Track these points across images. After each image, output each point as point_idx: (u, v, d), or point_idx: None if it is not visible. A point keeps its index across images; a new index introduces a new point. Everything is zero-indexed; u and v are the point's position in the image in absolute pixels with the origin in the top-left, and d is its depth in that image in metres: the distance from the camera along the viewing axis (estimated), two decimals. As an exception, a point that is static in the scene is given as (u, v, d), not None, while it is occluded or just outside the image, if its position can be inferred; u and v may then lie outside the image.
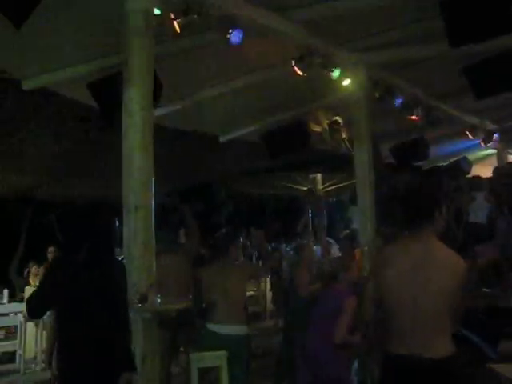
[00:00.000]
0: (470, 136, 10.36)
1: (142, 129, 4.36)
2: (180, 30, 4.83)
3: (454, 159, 11.33)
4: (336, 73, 6.43)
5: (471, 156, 11.37)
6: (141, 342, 4.12)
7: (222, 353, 4.80)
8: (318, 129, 9.06)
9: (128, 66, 4.46)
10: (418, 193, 3.44)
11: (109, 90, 5.07)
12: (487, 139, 10.54)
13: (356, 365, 5.69)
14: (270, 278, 11.76)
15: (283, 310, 7.73)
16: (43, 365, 8.46)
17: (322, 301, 5.27)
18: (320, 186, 13.82)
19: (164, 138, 7.13)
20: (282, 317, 8.29)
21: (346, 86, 6.78)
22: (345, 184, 12.71)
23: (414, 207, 3.38)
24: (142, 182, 4.32)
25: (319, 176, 13.62)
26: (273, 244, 13.82)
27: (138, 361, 3.92)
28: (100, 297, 3.31)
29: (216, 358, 4.85)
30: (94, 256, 3.37)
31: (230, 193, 15.01)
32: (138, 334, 4.11)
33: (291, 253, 9.50)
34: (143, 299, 4.07)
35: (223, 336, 4.91)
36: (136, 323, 4.12)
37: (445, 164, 11.27)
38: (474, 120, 10.05)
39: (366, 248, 6.46)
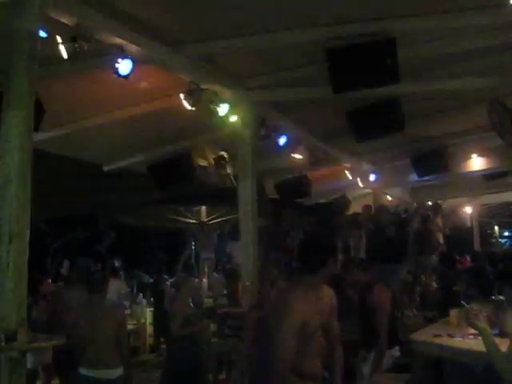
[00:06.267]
0: (348, 175, 10.89)
1: (20, 155, 4.06)
2: (67, 55, 4.67)
3: (334, 197, 11.87)
4: (224, 109, 6.51)
5: (350, 194, 11.95)
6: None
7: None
8: (203, 163, 9.11)
9: (8, 88, 4.20)
10: (316, 245, 3.57)
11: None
12: (364, 179, 11.14)
13: None
14: (154, 311, 11.46)
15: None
16: None
17: None
18: (204, 219, 13.82)
19: (44, 163, 6.81)
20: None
21: (234, 122, 6.88)
22: (228, 218, 12.81)
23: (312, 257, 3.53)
24: (18, 211, 4.03)
25: (203, 209, 13.63)
26: (154, 276, 13.48)
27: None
28: None
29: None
30: None
31: (113, 223, 14.52)
32: (2, 377, 3.76)
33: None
34: (11, 338, 3.77)
35: (93, 380, 4.66)
36: (-1, 365, 3.80)
37: (325, 201, 11.73)
38: (352, 161, 10.57)
39: (248, 284, 6.50)
